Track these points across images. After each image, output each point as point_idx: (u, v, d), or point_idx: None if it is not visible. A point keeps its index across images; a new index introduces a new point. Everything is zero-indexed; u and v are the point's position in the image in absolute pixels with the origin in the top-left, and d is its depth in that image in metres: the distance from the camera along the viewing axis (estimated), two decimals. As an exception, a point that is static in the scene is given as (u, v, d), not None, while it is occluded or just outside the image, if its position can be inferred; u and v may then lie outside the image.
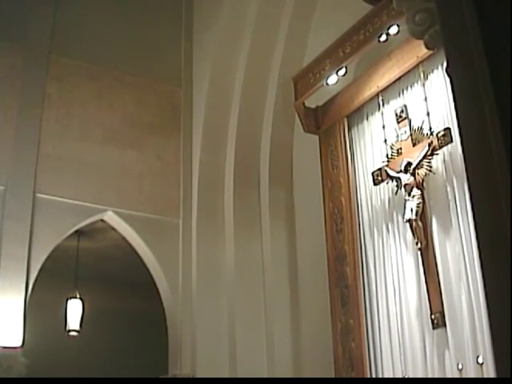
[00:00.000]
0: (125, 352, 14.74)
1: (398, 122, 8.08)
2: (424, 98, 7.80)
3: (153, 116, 10.96)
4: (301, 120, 9.31)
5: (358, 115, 8.86)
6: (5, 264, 8.93)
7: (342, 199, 8.62)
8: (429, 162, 7.55)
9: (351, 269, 8.24)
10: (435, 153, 7.50)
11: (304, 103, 9.27)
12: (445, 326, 7.07)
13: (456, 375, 6.80)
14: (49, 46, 10.30)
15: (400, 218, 7.80)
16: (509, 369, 1.83)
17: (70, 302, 11.71)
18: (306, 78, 9.12)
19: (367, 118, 8.72)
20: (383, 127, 8.32)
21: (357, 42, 8.36)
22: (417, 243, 7.45)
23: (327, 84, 8.83)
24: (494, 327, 1.96)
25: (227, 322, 9.96)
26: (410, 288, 7.59)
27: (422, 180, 7.60)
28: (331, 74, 8.71)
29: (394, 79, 8.25)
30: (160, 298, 10.44)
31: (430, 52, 6.95)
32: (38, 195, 9.49)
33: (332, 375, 8.21)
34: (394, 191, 7.95)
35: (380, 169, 8.20)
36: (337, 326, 8.27)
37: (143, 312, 14.21)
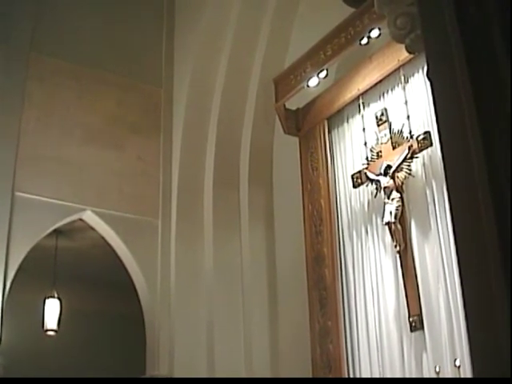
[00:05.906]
0: (102, 352, 14.67)
1: (378, 125, 8.11)
2: (404, 101, 7.84)
3: (134, 116, 10.88)
4: (281, 122, 9.32)
5: (338, 118, 8.89)
6: (-18, 263, 8.87)
7: (322, 201, 8.64)
8: (408, 166, 7.58)
9: (330, 271, 8.26)
10: (415, 156, 7.54)
11: (285, 105, 9.29)
12: (423, 328, 7.10)
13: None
14: (30, 45, 10.21)
15: (379, 221, 7.83)
16: (485, 371, 1.84)
17: (47, 301, 11.64)
18: (287, 80, 9.14)
19: (347, 121, 8.74)
20: (363, 130, 8.35)
21: (338, 45, 8.38)
22: (395, 246, 7.48)
23: (308, 86, 8.86)
24: (472, 331, 1.97)
25: (205, 323, 9.94)
26: (388, 290, 7.62)
27: (402, 183, 7.64)
28: (312, 76, 8.73)
29: (374, 82, 8.29)
30: (138, 299, 10.39)
31: (411, 56, 6.97)
32: (17, 194, 9.41)
33: (310, 376, 8.23)
34: (374, 194, 7.98)
35: (360, 171, 8.22)
36: (315, 327, 8.28)
37: (121, 312, 14.14)
